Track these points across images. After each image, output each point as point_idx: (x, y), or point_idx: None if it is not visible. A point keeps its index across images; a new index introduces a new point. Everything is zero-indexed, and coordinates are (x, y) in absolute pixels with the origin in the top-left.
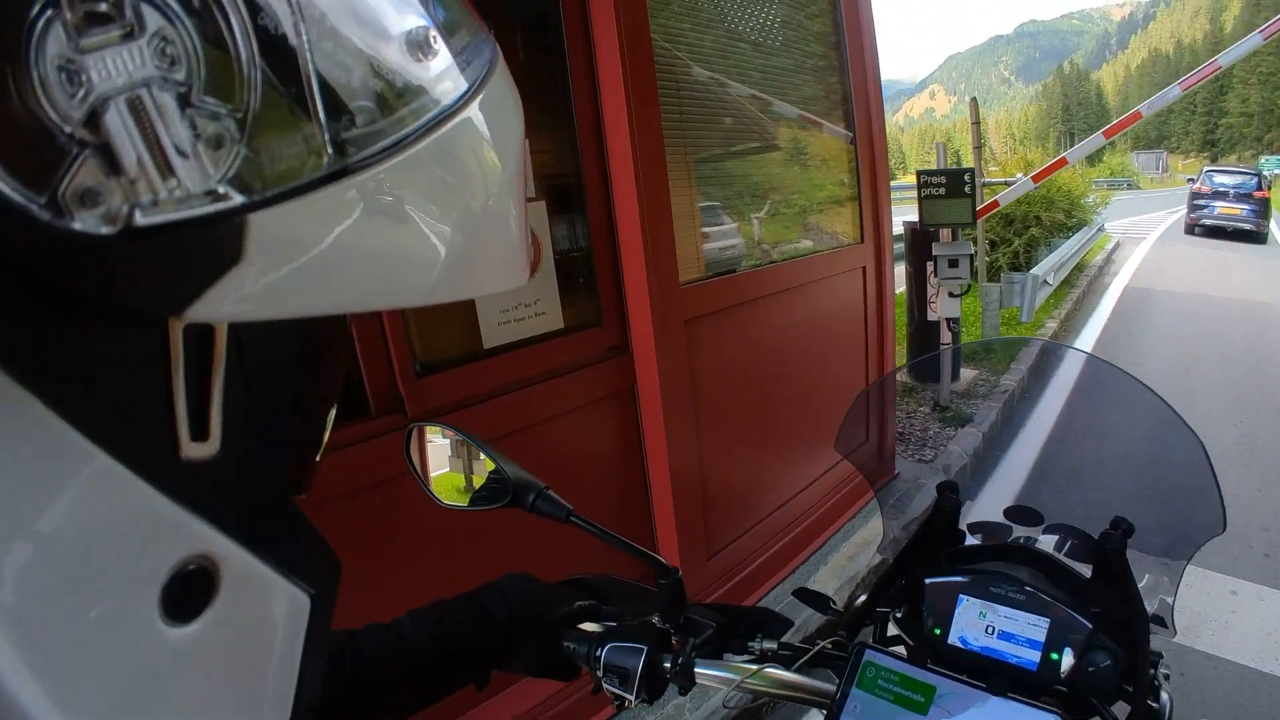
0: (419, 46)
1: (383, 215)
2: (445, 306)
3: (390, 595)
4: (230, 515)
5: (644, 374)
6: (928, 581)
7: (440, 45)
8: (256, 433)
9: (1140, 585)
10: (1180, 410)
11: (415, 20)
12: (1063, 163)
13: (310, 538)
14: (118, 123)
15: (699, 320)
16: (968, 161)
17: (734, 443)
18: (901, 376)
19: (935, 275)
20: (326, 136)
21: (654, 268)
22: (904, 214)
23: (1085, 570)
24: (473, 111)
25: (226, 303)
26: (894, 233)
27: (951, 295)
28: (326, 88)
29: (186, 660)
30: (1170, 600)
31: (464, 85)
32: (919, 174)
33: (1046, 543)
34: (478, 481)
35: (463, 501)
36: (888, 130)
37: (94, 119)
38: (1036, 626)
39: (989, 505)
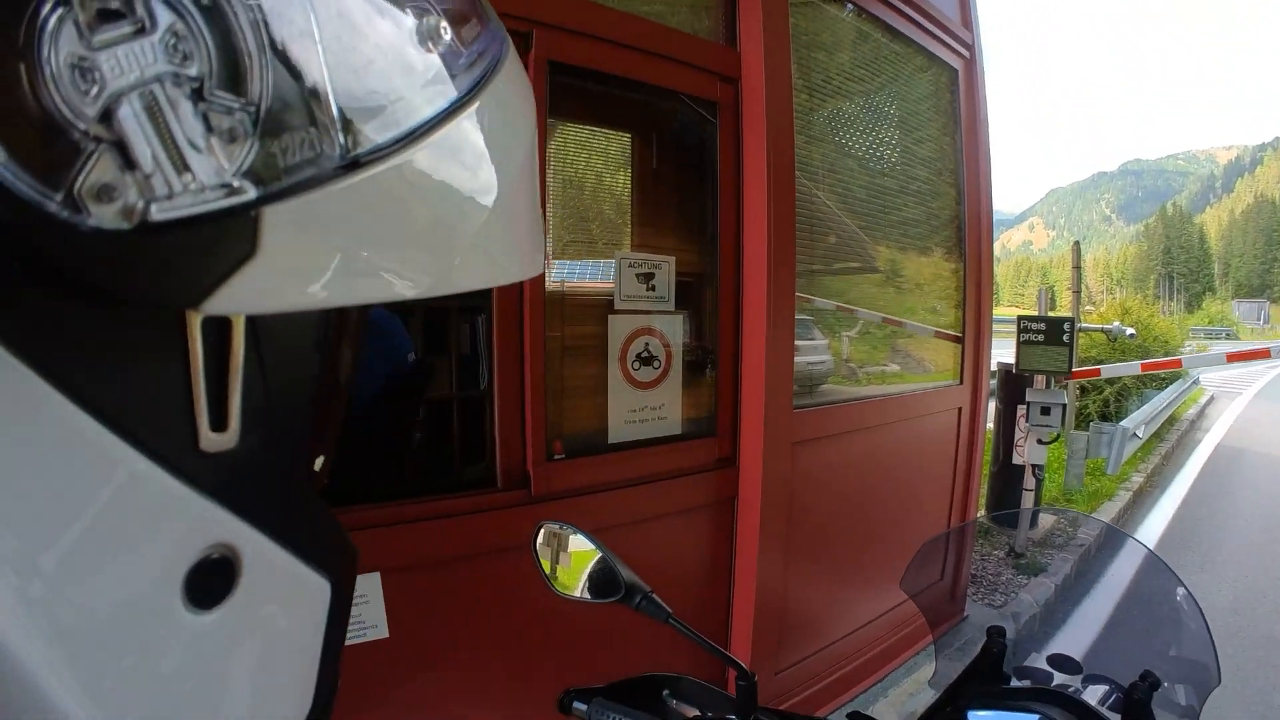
0: (430, 37)
1: (396, 206)
2: (581, 400)
3: (488, 652)
4: (250, 504)
5: (747, 488)
6: (969, 714)
7: (451, 35)
8: (275, 423)
9: None
10: (1271, 582)
11: (426, 11)
12: (1178, 364)
13: (329, 526)
14: (131, 119)
15: (805, 444)
16: (1064, 300)
17: (818, 566)
18: (980, 515)
19: (1026, 420)
20: (338, 129)
21: (772, 391)
22: (994, 347)
23: (1115, 719)
24: (485, 100)
25: (243, 295)
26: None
27: (1040, 442)
28: (339, 79)
29: (210, 647)
30: None
31: (475, 75)
32: (1020, 319)
33: (1088, 692)
34: (591, 577)
35: (576, 593)
36: None
37: (108, 115)
38: None
39: (1036, 651)
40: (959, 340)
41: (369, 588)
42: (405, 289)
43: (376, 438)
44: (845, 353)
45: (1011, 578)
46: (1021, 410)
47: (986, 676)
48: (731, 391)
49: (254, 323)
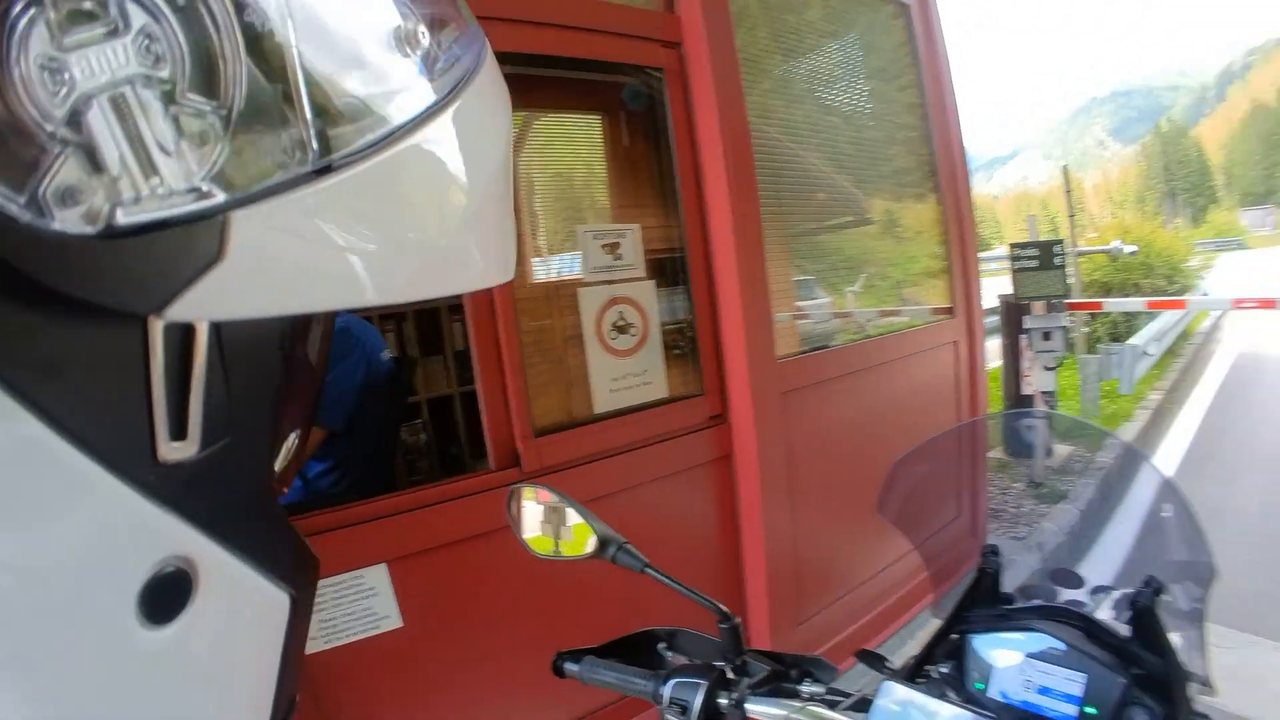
0: (406, 42)
1: (368, 210)
2: (563, 374)
3: (494, 627)
4: (209, 515)
5: (741, 443)
6: (972, 638)
7: (428, 41)
8: (236, 433)
9: (1176, 645)
10: None
11: (403, 15)
12: (1181, 304)
13: (290, 537)
14: (100, 121)
15: (795, 393)
16: (1066, 228)
17: (826, 513)
18: (994, 454)
19: (1029, 348)
20: (312, 133)
21: (752, 341)
22: (1002, 285)
23: (1124, 631)
24: (461, 105)
25: (207, 301)
26: (989, 305)
27: (1046, 368)
28: (313, 84)
29: (165, 662)
30: (1203, 659)
31: (452, 79)
32: (1011, 246)
33: (1092, 605)
34: (567, 535)
35: (553, 552)
36: (983, 199)
37: (76, 117)
38: (1074, 681)
39: (1039, 568)
40: (951, 312)
41: (377, 580)
42: (376, 295)
43: (365, 435)
44: (851, 308)
45: (1033, 508)
46: (1024, 339)
47: (987, 598)
48: (714, 348)
49: (218, 329)
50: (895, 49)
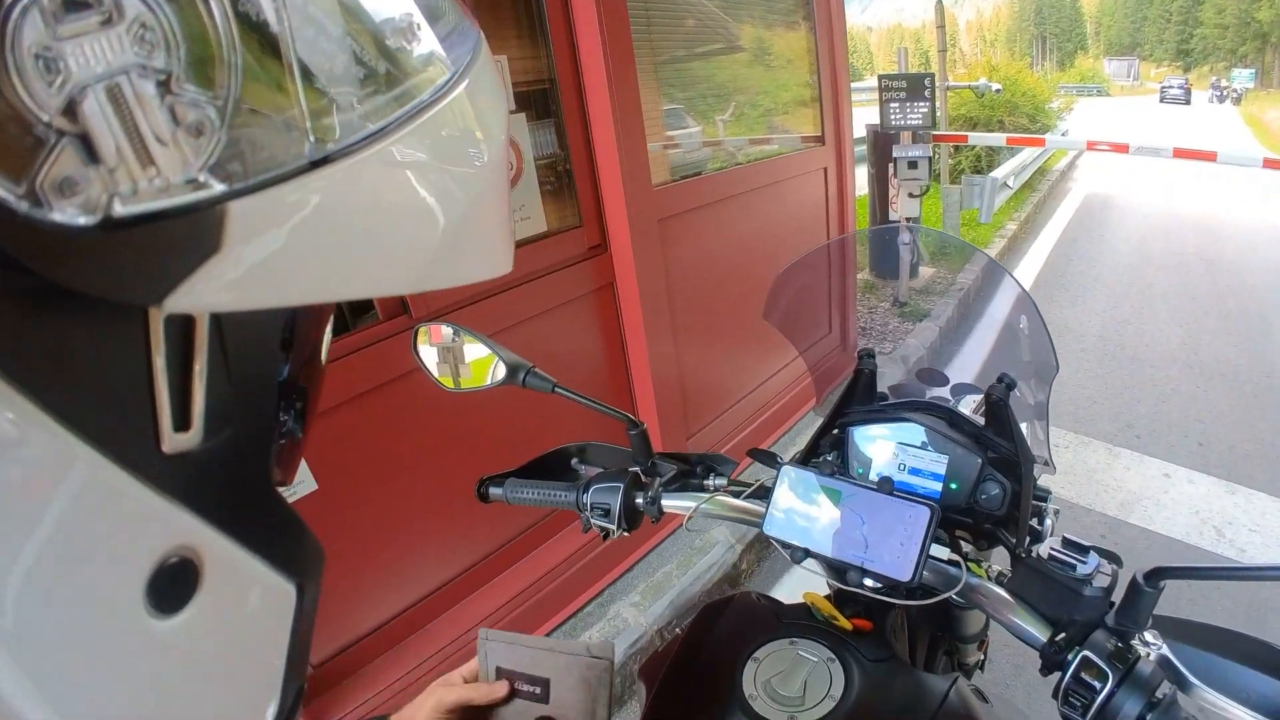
0: (403, 33)
1: (363, 203)
2: None
3: (413, 470)
4: (214, 506)
5: (622, 271)
6: (852, 429)
7: (424, 32)
8: (239, 423)
9: (1023, 433)
10: (1134, 311)
11: (399, 6)
12: (1040, 142)
13: (295, 527)
14: (96, 111)
15: (671, 220)
16: (937, 63)
17: (707, 333)
18: (862, 275)
19: (895, 177)
20: (308, 124)
21: (628, 171)
22: (871, 115)
23: (980, 421)
24: (456, 98)
25: (206, 292)
26: (857, 135)
27: (911, 196)
28: (308, 74)
29: (173, 651)
30: (1046, 444)
31: (447, 72)
32: (880, 78)
33: (955, 401)
34: (476, 366)
35: (464, 384)
36: (857, 30)
37: (72, 108)
38: (938, 462)
39: (906, 371)
40: (821, 140)
41: None
42: (376, 287)
43: None
44: (721, 136)
45: (898, 325)
46: (891, 168)
47: (863, 396)
48: (590, 179)
49: (219, 320)
50: None
